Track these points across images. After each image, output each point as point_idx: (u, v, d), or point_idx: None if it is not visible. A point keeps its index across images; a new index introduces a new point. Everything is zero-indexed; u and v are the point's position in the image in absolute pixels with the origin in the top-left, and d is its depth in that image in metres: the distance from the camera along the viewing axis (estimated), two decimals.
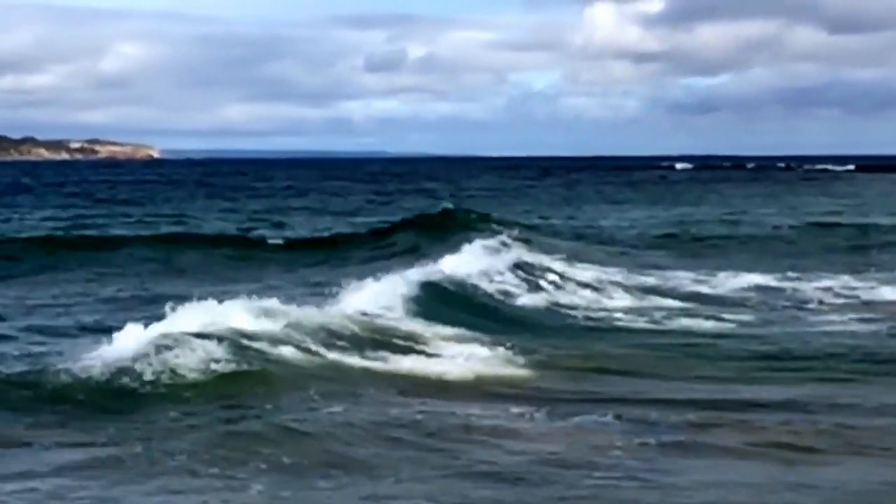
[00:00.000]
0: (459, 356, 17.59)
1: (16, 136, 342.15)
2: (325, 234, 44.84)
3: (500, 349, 18.16)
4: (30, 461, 11.73)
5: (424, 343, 18.62)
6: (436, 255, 28.31)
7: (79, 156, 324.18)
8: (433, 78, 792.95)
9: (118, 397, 14.23)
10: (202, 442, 12.14)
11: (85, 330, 20.34)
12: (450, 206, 51.09)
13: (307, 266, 33.48)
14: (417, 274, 24.19)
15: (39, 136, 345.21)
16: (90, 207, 64.65)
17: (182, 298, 18.11)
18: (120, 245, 38.32)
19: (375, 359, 17.21)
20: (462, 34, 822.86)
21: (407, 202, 70.17)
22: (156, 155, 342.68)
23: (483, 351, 18.09)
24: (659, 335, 20.84)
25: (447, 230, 39.10)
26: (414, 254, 32.28)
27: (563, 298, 25.36)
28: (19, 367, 15.97)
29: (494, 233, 36.60)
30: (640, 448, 12.30)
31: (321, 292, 22.29)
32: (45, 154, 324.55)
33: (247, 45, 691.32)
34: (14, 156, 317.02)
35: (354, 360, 16.96)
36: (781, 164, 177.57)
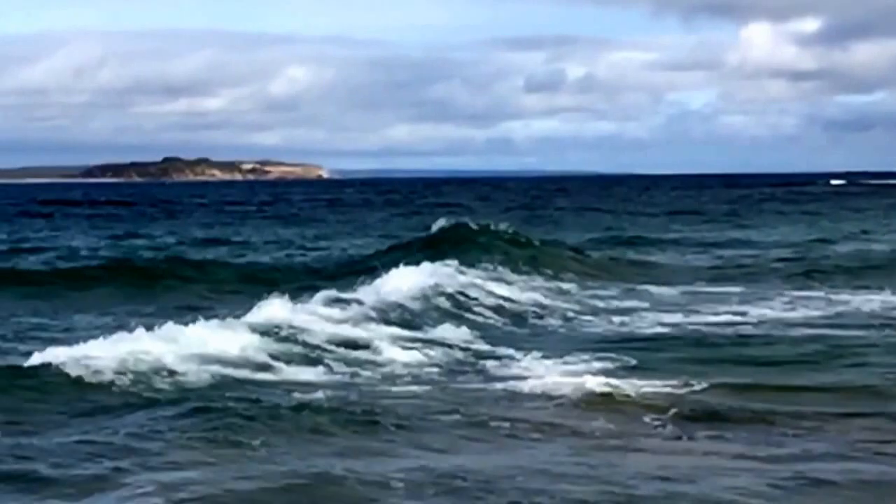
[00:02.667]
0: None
1: (190, 157, 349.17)
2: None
3: None
4: None
5: None
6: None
7: (250, 176, 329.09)
8: (592, 98, 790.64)
9: None
10: None
11: None
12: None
13: None
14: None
15: (213, 158, 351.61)
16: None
17: None
18: None
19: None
20: (620, 55, 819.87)
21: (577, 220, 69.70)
22: (324, 175, 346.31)
23: None
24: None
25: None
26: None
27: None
28: None
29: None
30: None
31: None
32: (218, 174, 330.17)
33: (412, 67, 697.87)
34: (189, 176, 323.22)
35: None
36: None
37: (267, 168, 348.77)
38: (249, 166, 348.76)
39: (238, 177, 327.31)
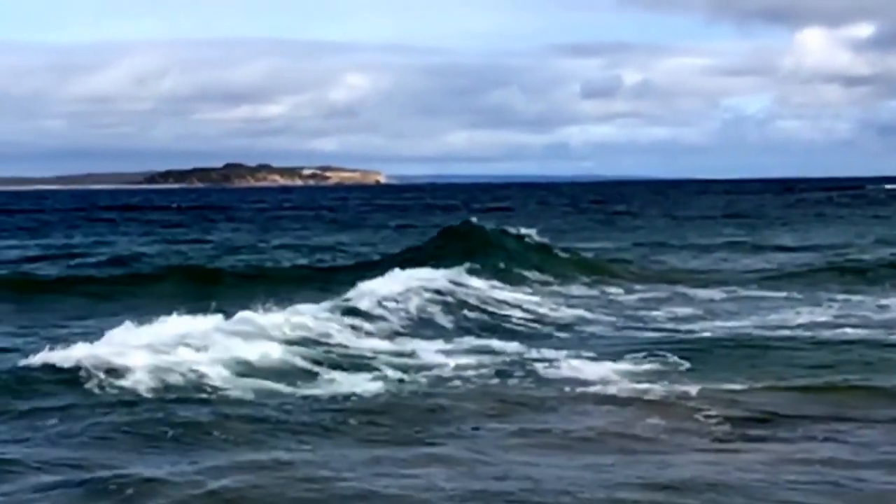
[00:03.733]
0: None
1: (252, 163, 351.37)
2: None
3: None
4: None
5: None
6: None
7: (311, 182, 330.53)
8: (648, 103, 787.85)
9: None
10: None
11: None
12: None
13: None
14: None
15: (274, 164, 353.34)
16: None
17: None
18: None
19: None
20: (676, 61, 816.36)
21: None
22: (382, 180, 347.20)
23: None
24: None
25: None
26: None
27: None
28: None
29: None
30: None
31: None
32: (279, 180, 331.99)
33: (469, 74, 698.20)
34: (251, 182, 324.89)
35: None
36: None
37: (327, 174, 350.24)
38: (309, 172, 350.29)
39: (298, 182, 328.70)
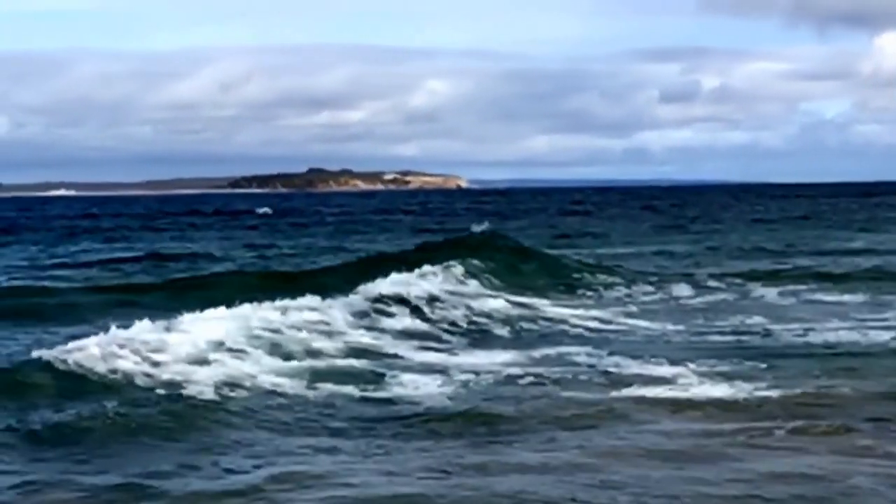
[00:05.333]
0: None
1: (333, 168, 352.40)
2: None
3: None
4: None
5: None
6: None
7: (392, 186, 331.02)
8: (727, 108, 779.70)
9: None
10: None
11: None
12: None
13: None
14: None
15: (355, 169, 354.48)
16: None
17: None
18: None
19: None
20: (755, 65, 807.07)
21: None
22: (463, 185, 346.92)
23: None
24: None
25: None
26: None
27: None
28: None
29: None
30: None
31: None
32: (361, 185, 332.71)
33: (549, 79, 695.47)
34: (332, 187, 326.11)
35: None
36: None
37: (408, 178, 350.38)
38: (391, 177, 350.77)
39: (380, 187, 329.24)
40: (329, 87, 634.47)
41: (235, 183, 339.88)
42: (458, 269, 30.91)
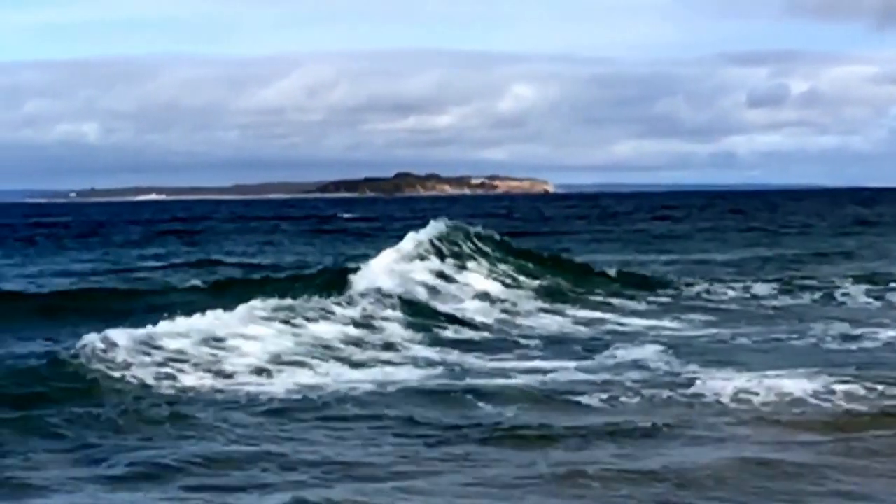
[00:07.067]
0: None
1: (421, 172, 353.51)
2: None
3: None
4: None
5: None
6: None
7: (479, 191, 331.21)
8: (815, 112, 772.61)
9: None
10: None
11: None
12: None
13: None
14: None
15: (443, 173, 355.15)
16: None
17: None
18: None
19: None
20: (844, 69, 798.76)
21: None
22: (550, 189, 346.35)
23: None
24: None
25: None
26: None
27: None
28: None
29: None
30: None
31: None
32: (448, 189, 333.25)
33: (636, 84, 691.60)
34: (420, 191, 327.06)
35: None
36: None
37: (495, 183, 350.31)
38: (478, 181, 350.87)
39: (467, 191, 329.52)
40: (416, 91, 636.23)
41: (323, 187, 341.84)
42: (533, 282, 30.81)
